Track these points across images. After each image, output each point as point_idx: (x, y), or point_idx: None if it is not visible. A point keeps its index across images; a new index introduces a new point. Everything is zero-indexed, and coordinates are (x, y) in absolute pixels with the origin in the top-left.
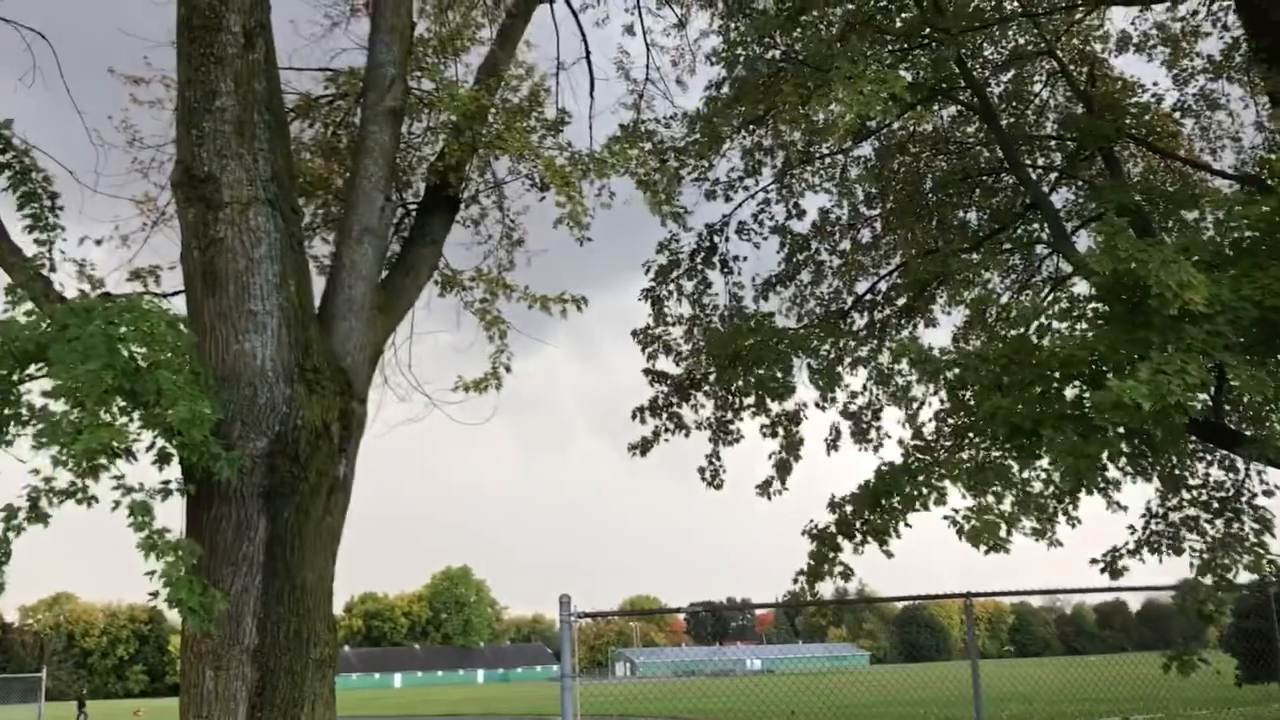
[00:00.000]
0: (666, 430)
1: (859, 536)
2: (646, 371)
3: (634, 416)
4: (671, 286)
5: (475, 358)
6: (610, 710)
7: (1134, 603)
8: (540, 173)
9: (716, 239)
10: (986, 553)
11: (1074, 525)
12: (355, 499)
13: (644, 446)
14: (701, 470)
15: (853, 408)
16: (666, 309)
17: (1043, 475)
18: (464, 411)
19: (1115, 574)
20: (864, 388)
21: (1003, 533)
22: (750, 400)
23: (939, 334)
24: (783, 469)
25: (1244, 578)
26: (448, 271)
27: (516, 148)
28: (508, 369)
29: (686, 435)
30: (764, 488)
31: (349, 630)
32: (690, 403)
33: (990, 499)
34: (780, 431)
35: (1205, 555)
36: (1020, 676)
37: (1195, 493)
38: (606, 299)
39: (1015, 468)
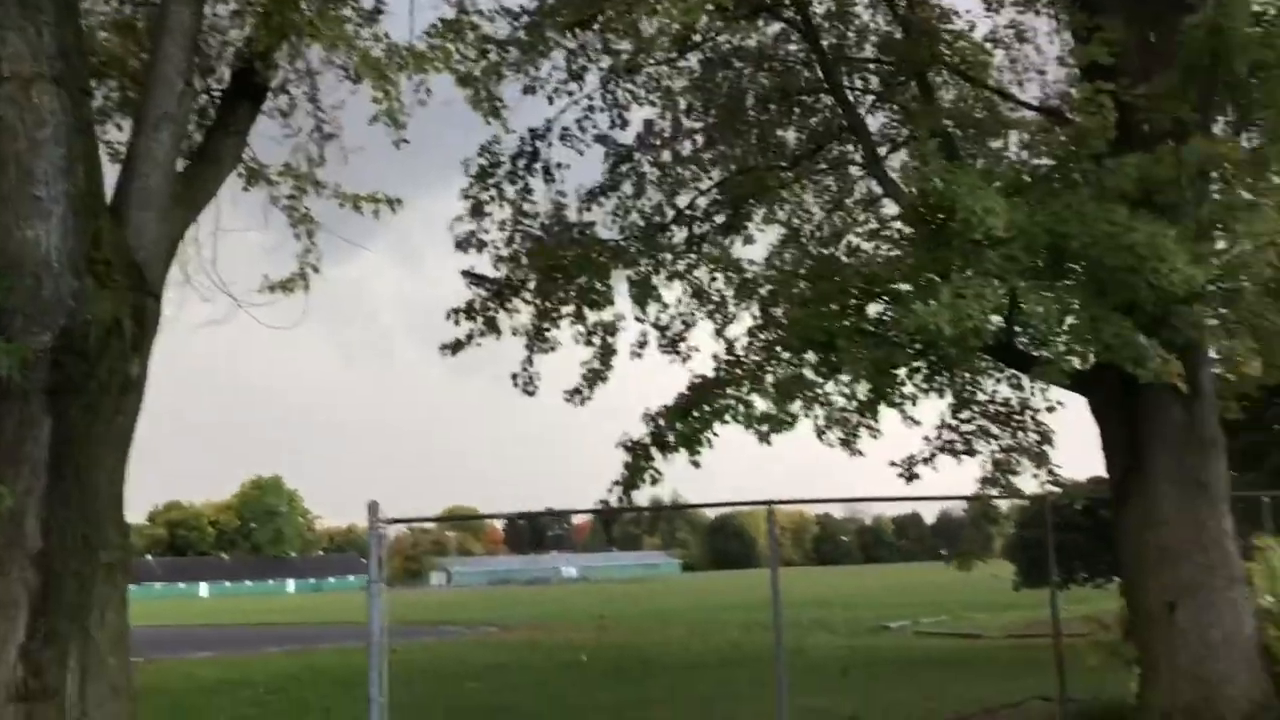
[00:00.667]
0: (481, 334)
1: (671, 446)
2: (464, 273)
3: (448, 318)
4: (493, 191)
5: (286, 259)
6: (426, 619)
7: (928, 515)
8: (355, 65)
9: (539, 144)
10: (765, 435)
11: (876, 436)
12: (162, 404)
13: (455, 347)
14: (514, 376)
15: (665, 320)
16: (487, 212)
17: (845, 390)
18: (275, 315)
19: (911, 478)
20: (679, 300)
21: (786, 425)
22: (569, 309)
23: (756, 250)
24: (596, 377)
25: (1026, 487)
26: (254, 165)
27: (329, 37)
28: (315, 269)
29: (498, 337)
30: (573, 394)
31: (151, 539)
32: (507, 307)
33: (792, 406)
34: (596, 341)
35: (992, 464)
36: (823, 583)
37: (984, 407)
38: (433, 206)
39: (819, 380)
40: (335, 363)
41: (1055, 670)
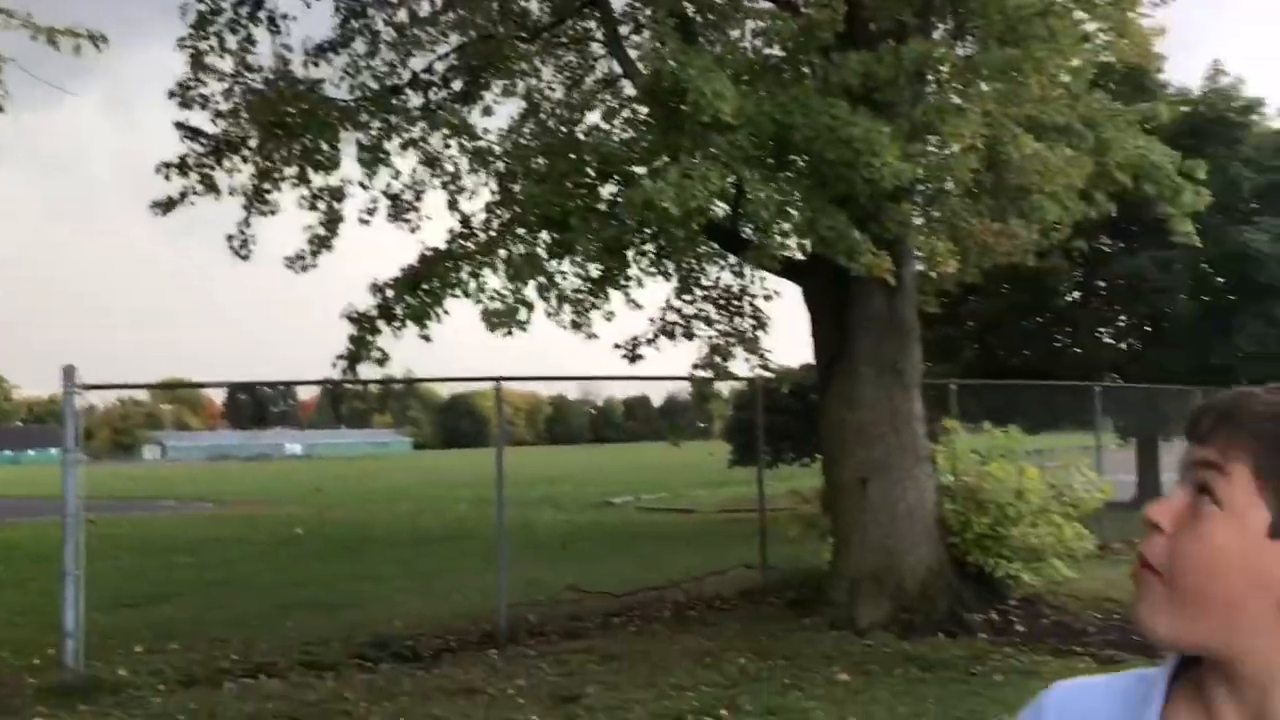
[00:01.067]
0: (196, 193)
1: (399, 320)
2: (179, 125)
3: (158, 172)
4: (213, 40)
5: None
6: (138, 493)
7: (656, 398)
8: None
9: None
10: (505, 335)
11: (609, 319)
12: None
13: (167, 206)
14: (230, 238)
15: (396, 188)
16: (208, 63)
17: (580, 271)
18: None
19: (634, 359)
20: (413, 170)
21: (521, 316)
22: (292, 171)
23: (495, 123)
24: (320, 244)
25: (739, 370)
26: None
27: None
28: (1, 109)
29: (217, 197)
30: (294, 261)
31: None
32: (225, 165)
33: (524, 287)
34: (321, 206)
35: (709, 349)
36: (553, 462)
37: (706, 291)
38: (149, 54)
39: (551, 260)
40: (37, 217)
41: (759, 541)
